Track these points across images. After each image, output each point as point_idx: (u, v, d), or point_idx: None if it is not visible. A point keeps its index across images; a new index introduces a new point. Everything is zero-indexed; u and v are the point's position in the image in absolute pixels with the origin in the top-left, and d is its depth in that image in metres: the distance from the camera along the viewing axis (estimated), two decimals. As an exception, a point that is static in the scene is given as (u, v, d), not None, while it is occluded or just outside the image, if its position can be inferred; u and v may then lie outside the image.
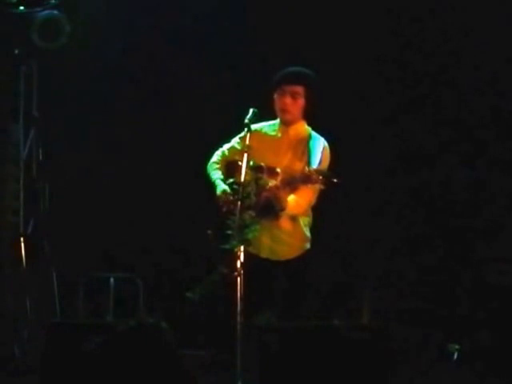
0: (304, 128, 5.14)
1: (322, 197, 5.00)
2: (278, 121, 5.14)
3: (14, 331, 6.42)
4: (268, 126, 5.15)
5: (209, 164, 5.22)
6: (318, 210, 5.20)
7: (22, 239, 6.55)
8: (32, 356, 6.12)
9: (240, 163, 4.94)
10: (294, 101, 5.01)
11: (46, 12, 6.62)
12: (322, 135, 5.11)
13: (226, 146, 5.23)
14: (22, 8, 6.64)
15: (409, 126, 6.69)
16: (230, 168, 5.13)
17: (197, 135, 6.56)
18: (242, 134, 5.11)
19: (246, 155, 4.68)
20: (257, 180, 4.88)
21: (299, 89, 5.00)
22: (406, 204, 6.69)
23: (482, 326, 6.19)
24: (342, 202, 6.43)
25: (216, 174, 5.13)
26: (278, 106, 5.05)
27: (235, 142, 5.19)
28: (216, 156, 5.23)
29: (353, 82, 6.59)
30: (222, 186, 5.02)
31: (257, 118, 4.95)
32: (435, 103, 6.67)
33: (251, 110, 4.91)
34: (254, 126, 5.06)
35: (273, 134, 5.13)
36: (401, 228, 6.66)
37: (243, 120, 4.90)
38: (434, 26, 6.62)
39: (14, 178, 6.72)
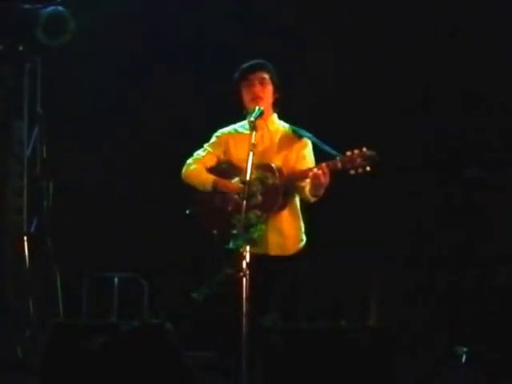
0: (278, 121, 5.13)
1: (329, 198, 4.96)
2: (247, 119, 5.10)
3: (17, 331, 6.39)
4: (240, 126, 5.13)
5: (192, 169, 5.14)
6: (325, 212, 5.17)
7: (25, 238, 6.53)
8: (35, 356, 6.08)
9: (224, 165, 5.06)
10: (263, 87, 5.03)
11: (51, 8, 6.59)
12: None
13: (200, 153, 5.18)
14: (26, 4, 6.60)
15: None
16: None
17: (200, 134, 6.52)
18: (212, 141, 5.16)
19: (251, 154, 4.63)
20: (262, 179, 4.85)
21: (265, 74, 5.04)
22: (412, 205, 6.65)
23: (490, 328, 6.15)
24: (347, 204, 6.40)
25: (212, 176, 5.08)
26: (248, 97, 5.03)
27: (209, 148, 5.16)
28: (195, 163, 5.16)
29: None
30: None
31: (262, 117, 4.91)
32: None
33: (257, 108, 4.88)
34: (224, 130, 5.15)
35: (249, 132, 5.04)
36: (408, 229, 6.63)
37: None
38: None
39: (18, 176, 6.70)
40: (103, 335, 4.36)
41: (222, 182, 5.04)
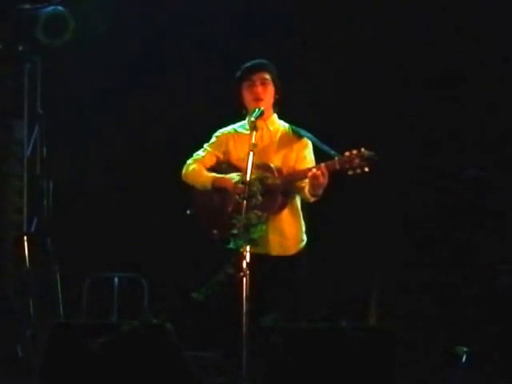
0: (278, 121, 5.13)
1: (329, 198, 4.96)
2: (247, 119, 5.10)
3: (17, 331, 6.39)
4: (239, 127, 5.13)
5: (192, 169, 5.14)
6: (325, 212, 5.17)
7: (25, 238, 6.52)
8: (35, 356, 6.08)
9: (224, 166, 5.05)
10: (264, 88, 5.02)
11: (51, 8, 6.59)
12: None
13: (200, 153, 5.17)
14: (26, 4, 6.60)
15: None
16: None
17: (200, 134, 6.53)
18: (212, 141, 5.15)
19: (251, 154, 4.63)
20: (262, 179, 4.85)
21: (267, 75, 5.03)
22: (413, 206, 6.65)
23: (491, 328, 6.14)
24: (347, 204, 6.39)
25: (211, 174, 5.08)
26: (249, 97, 5.02)
27: (208, 148, 5.15)
28: (195, 163, 5.16)
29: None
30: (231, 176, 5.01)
31: (262, 117, 4.91)
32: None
33: (257, 109, 4.88)
34: (224, 130, 5.14)
35: (249, 132, 5.03)
36: (409, 229, 6.62)
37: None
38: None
39: (18, 176, 6.69)
40: (103, 335, 4.35)
41: (220, 178, 5.04)
